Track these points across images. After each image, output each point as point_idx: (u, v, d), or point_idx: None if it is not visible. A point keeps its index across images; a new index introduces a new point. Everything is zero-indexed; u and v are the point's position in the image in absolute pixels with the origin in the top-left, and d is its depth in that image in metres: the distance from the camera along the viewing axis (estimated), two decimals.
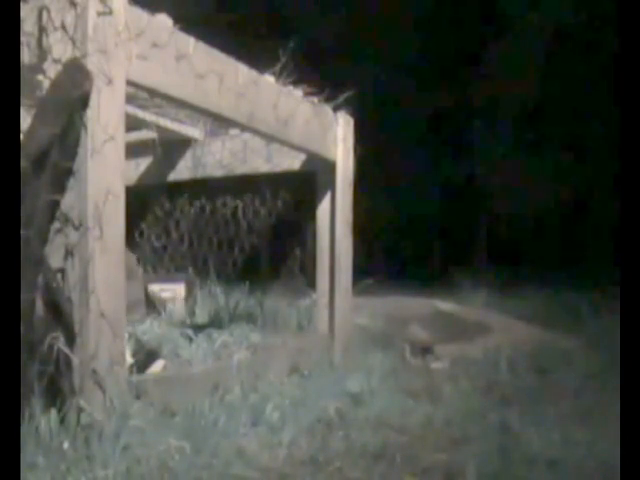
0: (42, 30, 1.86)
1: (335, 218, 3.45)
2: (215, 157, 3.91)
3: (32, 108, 1.82)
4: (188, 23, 2.32)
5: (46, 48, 1.86)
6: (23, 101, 1.76)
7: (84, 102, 1.84)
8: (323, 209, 3.50)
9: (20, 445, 1.52)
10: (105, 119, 1.88)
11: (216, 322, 3.65)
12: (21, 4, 1.79)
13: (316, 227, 3.53)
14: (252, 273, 4.44)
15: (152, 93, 2.33)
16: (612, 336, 2.56)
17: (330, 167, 3.47)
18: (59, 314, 1.79)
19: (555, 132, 9.42)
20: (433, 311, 4.53)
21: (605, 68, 8.46)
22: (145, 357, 2.57)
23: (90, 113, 1.85)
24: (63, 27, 1.85)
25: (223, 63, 2.52)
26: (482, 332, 4.17)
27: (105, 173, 1.90)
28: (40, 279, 1.77)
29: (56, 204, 1.83)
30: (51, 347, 1.75)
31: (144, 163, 4.03)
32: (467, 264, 7.58)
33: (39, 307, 1.76)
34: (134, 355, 2.50)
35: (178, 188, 4.36)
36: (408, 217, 9.50)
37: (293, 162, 3.70)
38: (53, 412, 1.73)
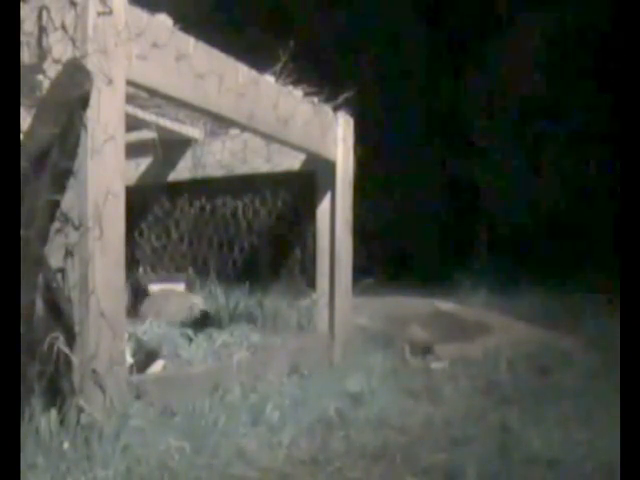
0: (42, 30, 1.86)
1: (335, 218, 3.45)
2: (215, 157, 3.90)
3: (32, 108, 1.81)
4: (188, 23, 2.32)
5: (46, 48, 1.86)
6: (23, 101, 1.76)
7: (84, 102, 1.84)
8: (323, 209, 3.50)
9: (20, 445, 1.52)
10: (105, 119, 1.88)
11: (216, 322, 3.64)
12: (21, 4, 1.79)
13: (316, 227, 3.53)
14: (252, 273, 4.43)
15: (152, 93, 2.33)
16: (612, 336, 2.56)
17: (330, 167, 3.46)
18: (59, 314, 1.79)
19: (556, 132, 9.42)
20: (433, 311, 4.53)
21: (605, 68, 8.46)
22: (145, 357, 2.57)
23: (90, 113, 1.85)
24: (63, 27, 1.85)
25: (223, 63, 2.52)
26: (482, 332, 4.17)
27: (105, 173, 1.90)
28: (40, 279, 1.76)
29: (56, 204, 1.83)
30: (51, 347, 1.75)
31: (144, 163, 4.03)
32: (467, 264, 7.55)
33: (39, 307, 1.76)
34: (134, 355, 2.50)
35: (178, 188, 4.35)
36: (408, 217, 9.49)
37: (293, 162, 3.70)
38: (53, 412, 1.73)
